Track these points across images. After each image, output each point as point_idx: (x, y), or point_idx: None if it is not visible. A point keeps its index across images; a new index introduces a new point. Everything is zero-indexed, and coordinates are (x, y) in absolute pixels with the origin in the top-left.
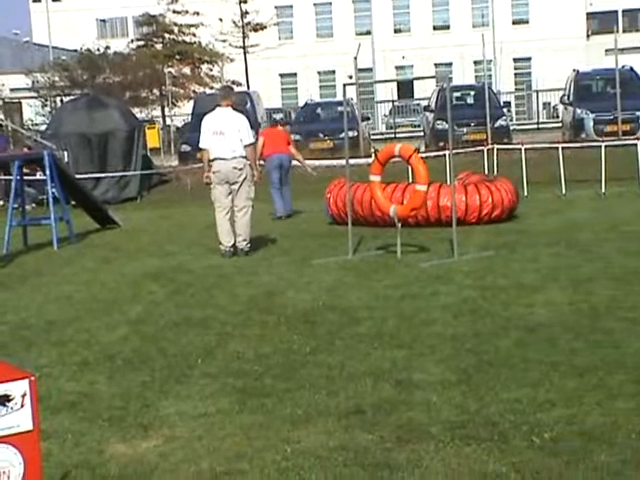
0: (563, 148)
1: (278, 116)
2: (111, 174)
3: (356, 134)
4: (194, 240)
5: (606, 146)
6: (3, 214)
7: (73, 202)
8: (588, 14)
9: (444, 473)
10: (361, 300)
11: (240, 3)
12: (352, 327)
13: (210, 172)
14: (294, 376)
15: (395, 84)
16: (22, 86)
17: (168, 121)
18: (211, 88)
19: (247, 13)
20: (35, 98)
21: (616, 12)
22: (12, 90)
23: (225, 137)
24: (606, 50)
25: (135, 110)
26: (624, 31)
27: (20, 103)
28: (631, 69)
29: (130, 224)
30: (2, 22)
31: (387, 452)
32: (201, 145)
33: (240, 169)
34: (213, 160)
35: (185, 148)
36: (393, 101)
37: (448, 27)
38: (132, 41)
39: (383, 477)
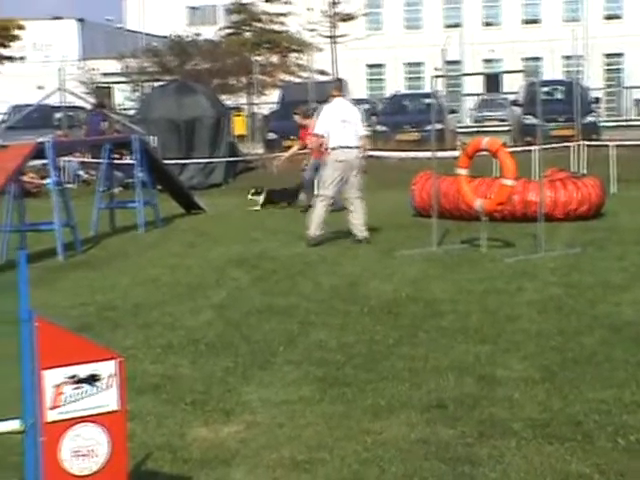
0: None
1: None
2: (197, 160)
3: (442, 127)
4: (279, 227)
5: None
6: (91, 196)
7: (159, 186)
8: None
9: (526, 470)
10: (445, 293)
11: None
12: (435, 320)
13: (334, 159)
14: (376, 367)
15: (483, 77)
16: (114, 71)
17: (255, 109)
18: (299, 77)
19: (336, 3)
20: (126, 83)
21: None
22: (104, 75)
23: (351, 125)
24: None
25: (222, 97)
26: None
27: (111, 88)
28: None
29: (215, 210)
30: (96, 8)
31: (468, 447)
32: (318, 131)
33: (360, 158)
34: (334, 148)
35: (271, 136)
36: (480, 94)
37: (538, 21)
38: (221, 29)
39: (464, 472)
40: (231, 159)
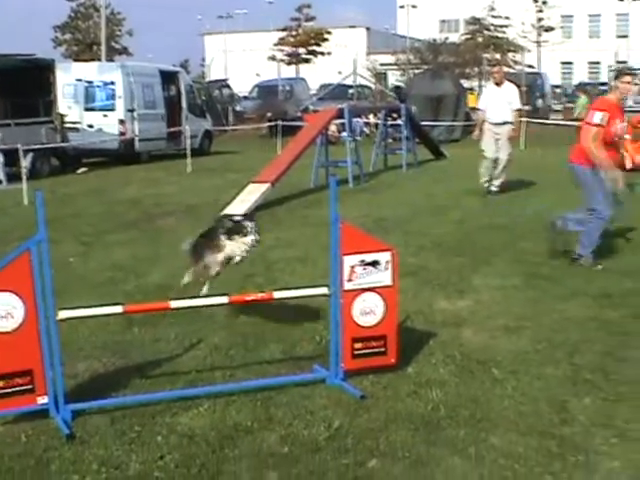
0: None
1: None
2: (443, 122)
3: None
4: None
5: None
6: (372, 145)
7: (417, 139)
8: None
9: None
10: None
11: (537, 12)
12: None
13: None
14: (562, 268)
15: None
16: (388, 62)
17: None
18: (513, 69)
19: (541, 19)
20: (396, 70)
21: None
22: (382, 65)
23: None
24: None
25: (461, 81)
26: None
27: (385, 73)
28: None
29: (453, 157)
30: (378, 19)
31: (625, 325)
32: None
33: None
34: None
35: None
36: None
37: None
38: (462, 35)
39: (622, 340)
40: (466, 123)
